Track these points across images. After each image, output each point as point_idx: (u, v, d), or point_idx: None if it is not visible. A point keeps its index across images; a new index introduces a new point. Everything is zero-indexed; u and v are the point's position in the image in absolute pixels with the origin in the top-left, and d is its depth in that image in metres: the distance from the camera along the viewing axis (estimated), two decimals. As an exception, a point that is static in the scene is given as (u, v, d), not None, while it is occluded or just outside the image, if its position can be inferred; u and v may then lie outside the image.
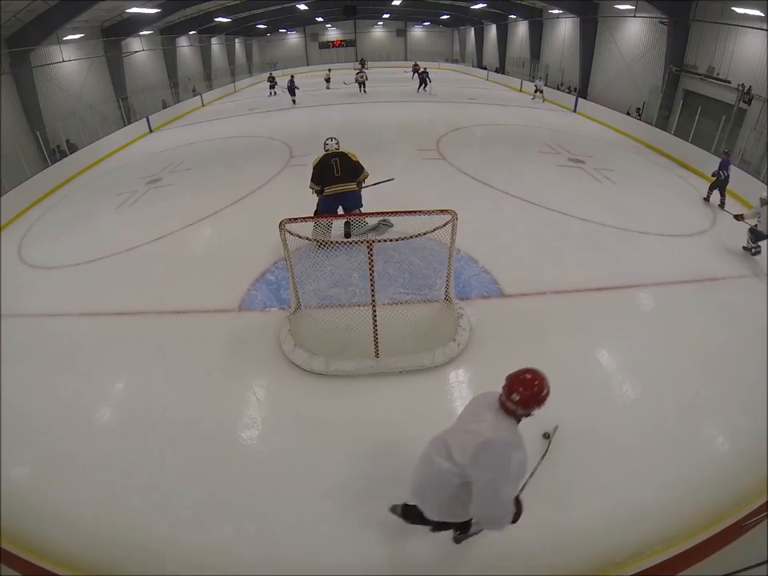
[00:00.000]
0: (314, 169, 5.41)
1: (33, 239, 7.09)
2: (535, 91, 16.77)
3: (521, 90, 19.34)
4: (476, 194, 7.38)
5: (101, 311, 4.90)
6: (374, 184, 5.74)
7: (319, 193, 5.47)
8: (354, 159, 5.43)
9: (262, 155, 10.28)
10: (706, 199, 7.51)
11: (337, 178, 5.32)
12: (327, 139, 5.56)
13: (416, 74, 19.43)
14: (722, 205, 7.28)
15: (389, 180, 5.50)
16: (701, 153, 8.97)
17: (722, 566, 2.30)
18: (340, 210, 5.47)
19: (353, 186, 5.41)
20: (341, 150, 5.50)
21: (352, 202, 5.46)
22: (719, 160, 7.30)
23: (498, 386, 3.65)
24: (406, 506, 2.49)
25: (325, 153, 5.43)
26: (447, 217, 3.63)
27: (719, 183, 7.27)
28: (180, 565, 2.62)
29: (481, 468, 1.92)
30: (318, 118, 13.96)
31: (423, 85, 18.09)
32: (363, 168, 5.51)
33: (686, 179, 8.55)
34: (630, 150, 10.67)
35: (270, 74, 20.96)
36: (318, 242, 4.35)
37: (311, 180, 5.43)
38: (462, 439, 2.05)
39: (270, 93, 19.29)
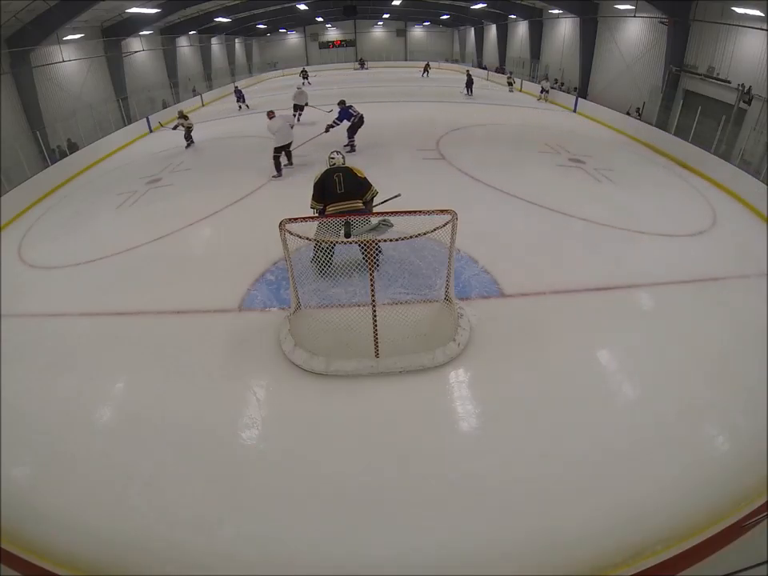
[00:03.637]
0: (314, 186, 4.91)
1: (33, 239, 7.09)
2: (541, 92, 16.70)
3: (521, 90, 19.35)
4: (476, 194, 7.38)
5: (101, 311, 4.90)
6: (382, 203, 5.31)
7: (321, 212, 5.01)
8: (359, 175, 4.96)
9: (261, 155, 10.26)
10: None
11: (340, 194, 4.81)
12: (332, 152, 5.12)
13: (425, 73, 23.00)
14: (349, 146, 9.49)
15: (396, 196, 5.22)
16: (701, 153, 8.96)
17: (722, 566, 2.30)
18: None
19: (358, 203, 4.89)
20: (346, 164, 5.07)
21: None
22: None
23: (498, 386, 3.69)
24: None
25: (327, 168, 4.99)
26: (447, 217, 3.63)
27: (351, 128, 9.36)
28: (180, 565, 2.61)
29: None
30: (315, 118, 13.94)
31: (469, 87, 17.75)
32: (371, 185, 5.02)
33: (685, 179, 8.55)
34: (630, 150, 10.68)
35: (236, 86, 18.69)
36: (318, 268, 4.40)
37: (312, 198, 4.93)
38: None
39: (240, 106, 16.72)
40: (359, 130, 9.58)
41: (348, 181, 4.86)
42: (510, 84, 19.54)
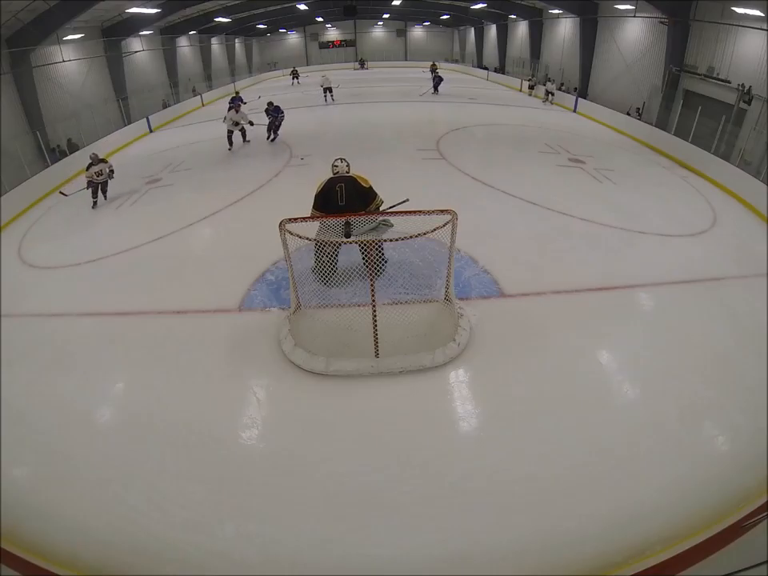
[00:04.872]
0: (316, 196, 4.67)
1: (33, 239, 7.09)
2: (546, 93, 16.39)
3: (521, 90, 19.35)
4: (476, 194, 7.38)
5: (101, 311, 4.90)
6: (389, 208, 4.97)
7: None
8: (365, 185, 4.70)
9: (262, 155, 10.29)
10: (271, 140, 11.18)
11: (341, 207, 4.57)
12: (336, 160, 4.85)
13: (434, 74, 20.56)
14: (273, 139, 11.16)
15: (404, 201, 4.88)
16: (701, 153, 8.97)
17: (722, 566, 2.30)
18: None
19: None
20: (351, 173, 4.80)
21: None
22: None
23: (497, 386, 3.69)
24: None
25: (331, 176, 4.75)
26: (447, 217, 3.63)
27: (271, 125, 10.99)
28: (180, 565, 2.62)
29: None
30: (319, 118, 13.98)
31: (435, 86, 17.62)
32: (376, 195, 4.75)
33: (686, 179, 8.55)
34: (630, 150, 10.68)
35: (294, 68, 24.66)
36: (320, 276, 4.42)
37: (313, 207, 4.69)
38: None
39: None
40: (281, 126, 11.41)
41: (350, 192, 4.61)
42: (531, 88, 18.13)
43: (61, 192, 8.16)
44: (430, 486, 2.96)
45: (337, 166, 4.83)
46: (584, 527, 2.71)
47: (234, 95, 16.20)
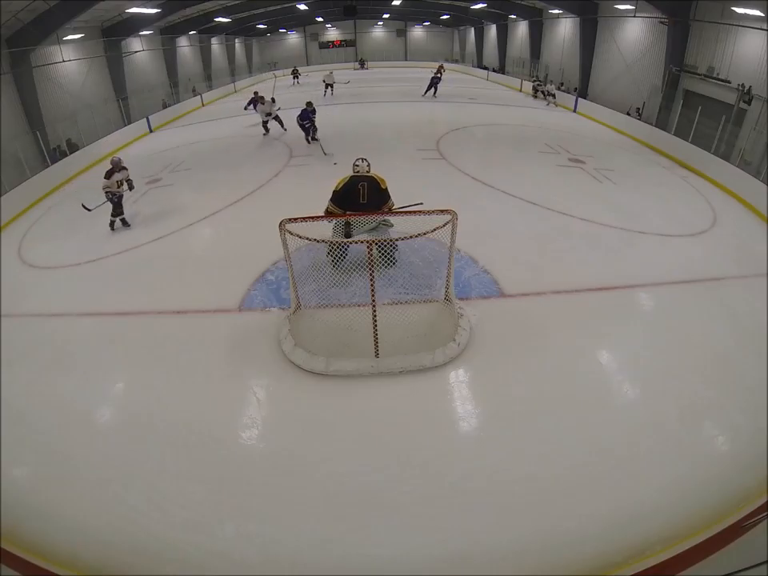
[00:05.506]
0: (336, 191, 4.80)
1: (33, 239, 7.09)
2: (547, 95, 16.08)
3: (521, 90, 19.35)
4: (476, 194, 7.38)
5: (101, 311, 4.90)
6: (401, 208, 4.95)
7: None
8: (383, 187, 4.84)
9: (262, 155, 10.29)
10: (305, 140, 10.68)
11: (362, 205, 4.74)
12: (357, 160, 4.99)
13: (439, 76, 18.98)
14: (312, 140, 10.54)
15: (418, 204, 4.87)
16: (701, 153, 8.97)
17: (722, 566, 2.30)
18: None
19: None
20: (371, 173, 4.93)
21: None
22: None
23: (497, 386, 3.69)
24: None
25: (353, 174, 4.87)
26: (447, 217, 3.63)
27: (305, 129, 10.50)
28: (180, 565, 2.62)
29: None
30: (318, 117, 13.90)
31: (433, 89, 16.65)
32: (389, 198, 4.90)
33: (686, 179, 8.55)
34: (630, 150, 10.68)
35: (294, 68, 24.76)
36: (332, 260, 4.51)
37: (331, 201, 4.81)
38: None
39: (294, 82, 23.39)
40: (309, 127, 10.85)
41: (372, 192, 4.75)
42: (535, 90, 17.07)
43: (84, 206, 6.77)
44: (430, 485, 2.96)
45: (358, 165, 4.96)
46: (584, 527, 2.71)
47: (254, 95, 15.88)
